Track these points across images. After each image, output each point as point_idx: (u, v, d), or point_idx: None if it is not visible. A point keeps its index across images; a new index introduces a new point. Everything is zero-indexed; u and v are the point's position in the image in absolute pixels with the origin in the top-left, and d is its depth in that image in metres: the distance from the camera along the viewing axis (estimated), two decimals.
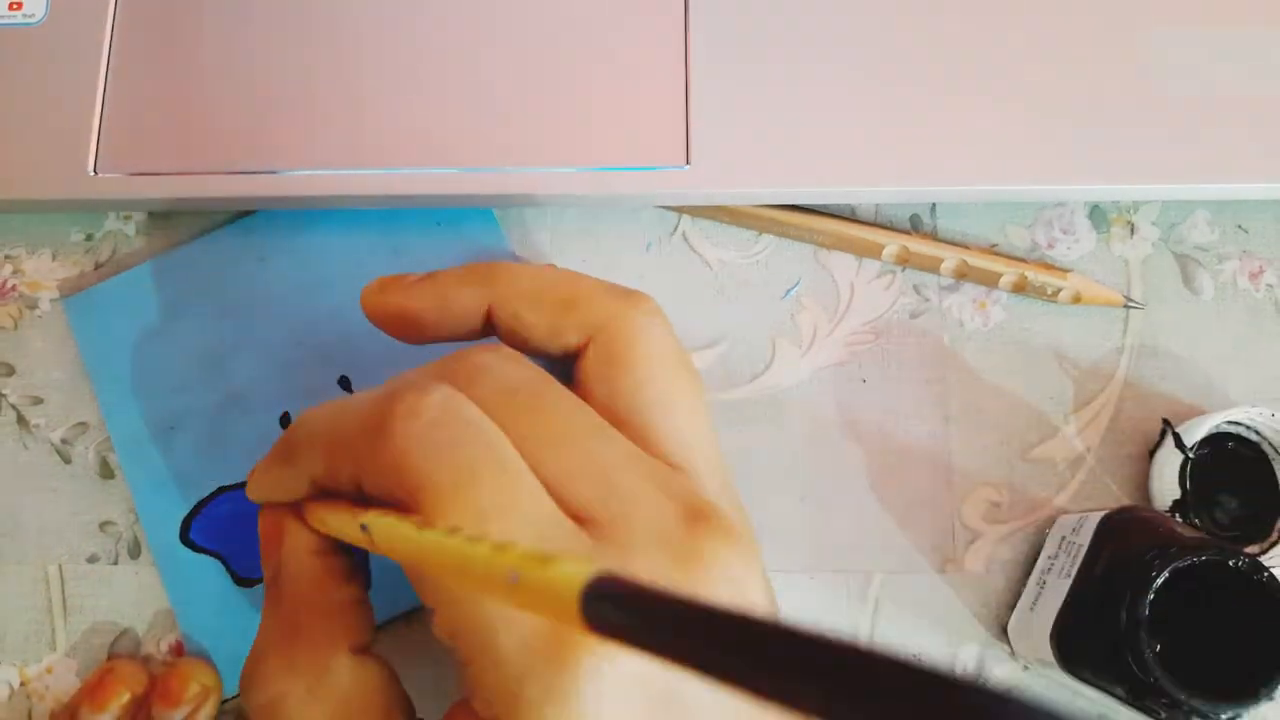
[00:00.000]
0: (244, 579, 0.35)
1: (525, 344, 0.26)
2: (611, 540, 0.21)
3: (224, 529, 0.35)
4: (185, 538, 0.35)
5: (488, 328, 0.27)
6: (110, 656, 0.35)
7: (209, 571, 0.35)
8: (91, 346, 0.36)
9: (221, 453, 0.35)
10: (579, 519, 0.21)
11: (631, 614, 0.15)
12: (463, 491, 0.20)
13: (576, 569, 0.15)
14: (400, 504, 0.21)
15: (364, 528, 0.21)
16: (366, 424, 0.22)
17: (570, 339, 0.25)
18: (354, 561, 0.26)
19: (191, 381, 0.36)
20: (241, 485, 0.35)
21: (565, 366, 0.27)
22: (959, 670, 0.12)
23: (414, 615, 0.35)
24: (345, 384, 0.36)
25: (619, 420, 0.24)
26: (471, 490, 0.20)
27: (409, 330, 0.28)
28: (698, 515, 0.22)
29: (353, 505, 0.23)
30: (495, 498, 0.20)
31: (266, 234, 0.37)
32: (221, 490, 0.35)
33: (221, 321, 0.37)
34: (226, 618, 0.34)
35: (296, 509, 0.26)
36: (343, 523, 0.23)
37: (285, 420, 0.36)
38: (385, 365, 0.36)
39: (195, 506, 0.35)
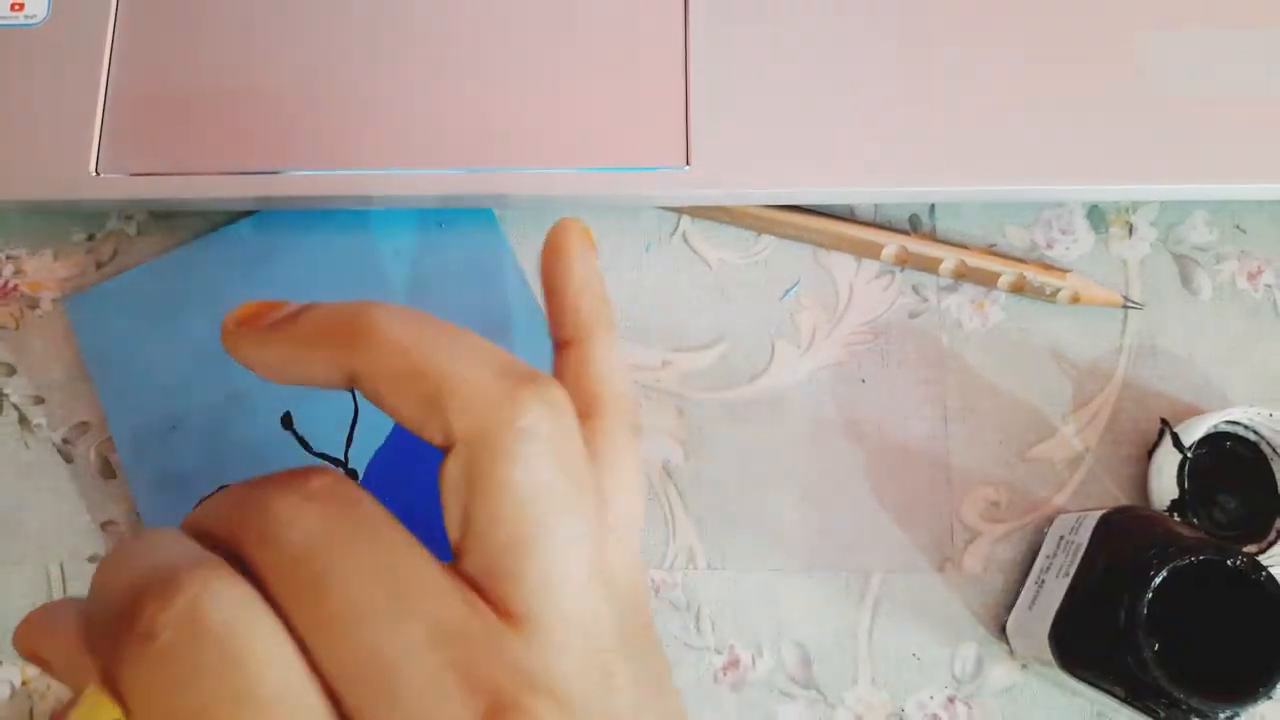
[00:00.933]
0: None
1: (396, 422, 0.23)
2: None
3: None
4: None
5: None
6: None
7: None
8: (92, 346, 0.36)
9: (223, 452, 0.35)
10: None
11: None
12: None
13: None
14: None
15: None
16: (108, 632, 0.19)
17: (434, 438, 0.21)
18: None
19: (192, 381, 0.36)
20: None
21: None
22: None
23: None
24: (287, 422, 0.36)
25: (464, 548, 0.21)
26: None
27: (268, 378, 0.24)
28: (499, 711, 0.19)
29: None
30: None
31: (267, 234, 0.37)
32: (222, 489, 0.35)
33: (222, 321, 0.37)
34: None
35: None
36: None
37: (287, 421, 0.36)
38: None
39: (196, 505, 0.35)
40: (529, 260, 0.38)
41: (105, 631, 0.19)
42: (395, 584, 0.19)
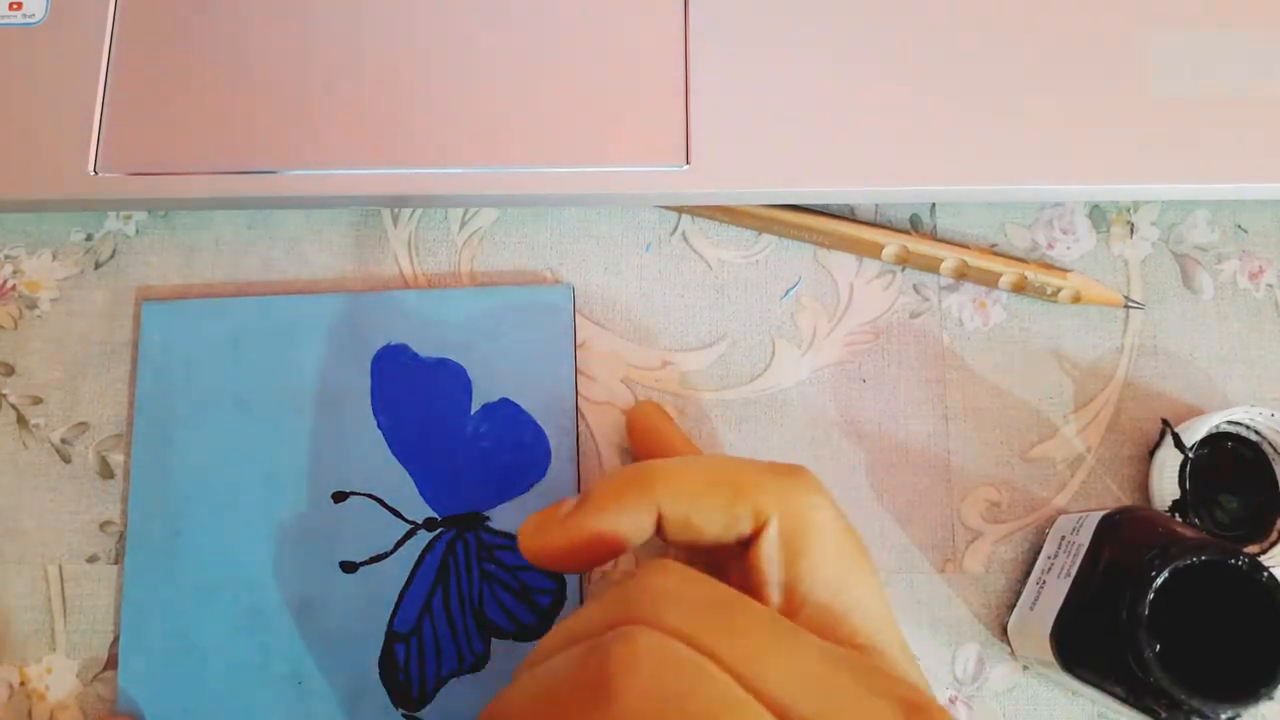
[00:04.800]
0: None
1: (697, 542, 0.26)
2: None
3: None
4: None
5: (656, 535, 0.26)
6: None
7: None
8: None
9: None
10: None
11: None
12: None
13: None
14: None
15: None
16: (582, 688, 0.21)
17: (744, 528, 0.25)
18: None
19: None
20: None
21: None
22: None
23: None
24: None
25: (798, 604, 0.24)
26: None
27: (580, 565, 0.26)
28: (915, 710, 0.21)
29: None
30: None
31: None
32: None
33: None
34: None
35: None
36: None
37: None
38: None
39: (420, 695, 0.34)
40: (528, 266, 0.38)
41: (578, 699, 0.21)
42: (778, 618, 0.23)
